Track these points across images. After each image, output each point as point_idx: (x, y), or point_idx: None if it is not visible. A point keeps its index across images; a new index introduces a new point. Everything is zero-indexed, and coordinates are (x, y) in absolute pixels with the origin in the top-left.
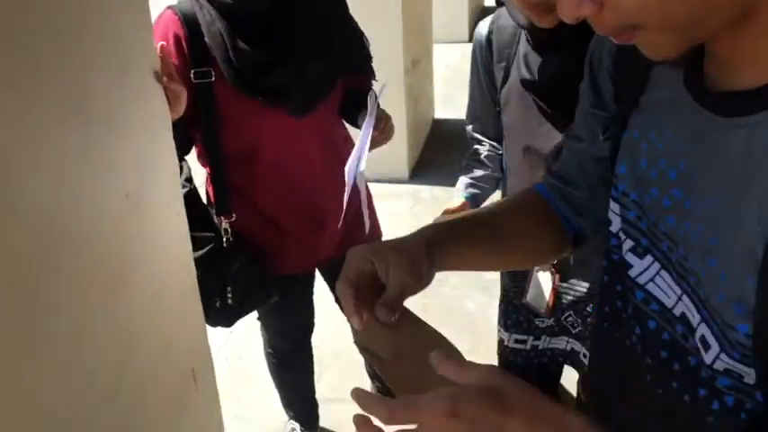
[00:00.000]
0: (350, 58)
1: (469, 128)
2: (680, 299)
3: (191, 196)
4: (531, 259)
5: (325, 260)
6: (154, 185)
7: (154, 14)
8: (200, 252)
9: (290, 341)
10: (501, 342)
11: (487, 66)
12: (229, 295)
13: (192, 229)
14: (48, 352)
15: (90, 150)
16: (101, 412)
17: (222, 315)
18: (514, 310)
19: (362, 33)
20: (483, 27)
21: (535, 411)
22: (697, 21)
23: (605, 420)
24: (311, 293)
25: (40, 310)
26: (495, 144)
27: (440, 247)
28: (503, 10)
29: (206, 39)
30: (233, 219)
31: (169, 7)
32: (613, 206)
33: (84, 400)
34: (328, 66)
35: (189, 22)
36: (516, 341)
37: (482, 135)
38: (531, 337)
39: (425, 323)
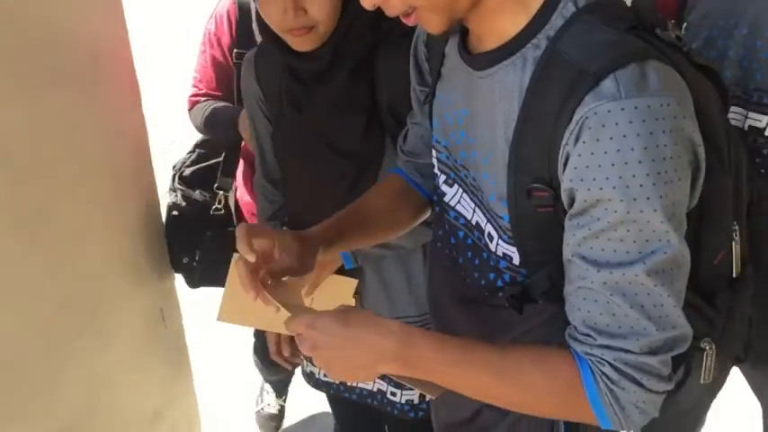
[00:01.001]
0: None
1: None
2: (474, 211)
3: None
4: (395, 229)
5: None
6: (123, 144)
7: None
8: (187, 206)
9: None
10: (311, 374)
11: (259, 122)
12: (197, 258)
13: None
14: (26, 273)
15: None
16: (77, 333)
17: (187, 273)
18: None
19: None
20: (248, 78)
21: (365, 321)
22: (450, 2)
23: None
24: None
25: (24, 237)
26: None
27: (329, 242)
28: (262, 51)
29: (253, 24)
30: (229, 193)
31: None
32: (433, 153)
33: (61, 319)
34: None
35: (243, 8)
36: (325, 375)
37: (266, 179)
38: None
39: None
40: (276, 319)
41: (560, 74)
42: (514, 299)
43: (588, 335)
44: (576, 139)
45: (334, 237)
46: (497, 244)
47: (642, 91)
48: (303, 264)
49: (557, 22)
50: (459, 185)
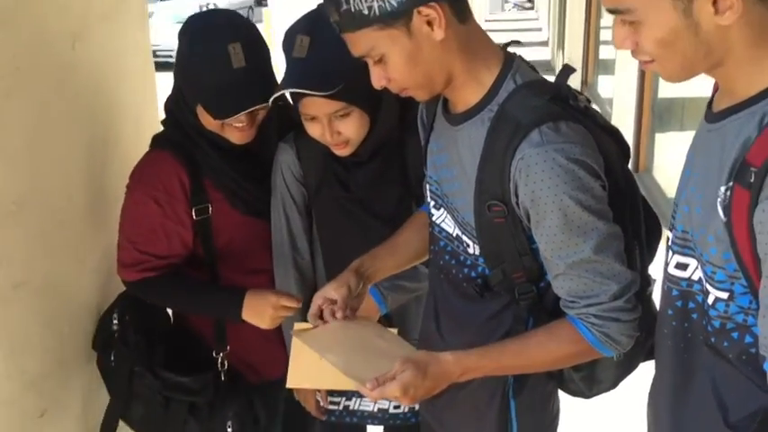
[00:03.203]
0: None
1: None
2: (455, 227)
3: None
4: (421, 254)
5: None
6: None
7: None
8: (198, 398)
9: None
10: (317, 402)
11: (293, 189)
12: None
13: (180, 370)
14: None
15: None
16: None
17: None
18: None
19: None
20: (287, 153)
21: (432, 366)
22: (430, 84)
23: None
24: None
25: None
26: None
27: (364, 269)
28: (300, 134)
29: (209, 178)
30: (227, 350)
31: (163, 148)
32: (426, 186)
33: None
34: None
35: (188, 163)
36: (331, 402)
37: (299, 254)
38: (344, 398)
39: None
40: (339, 378)
41: (506, 126)
42: (478, 286)
43: (574, 301)
44: (520, 173)
45: (369, 265)
46: (472, 246)
47: (557, 139)
48: (346, 290)
49: (503, 94)
50: (445, 209)
